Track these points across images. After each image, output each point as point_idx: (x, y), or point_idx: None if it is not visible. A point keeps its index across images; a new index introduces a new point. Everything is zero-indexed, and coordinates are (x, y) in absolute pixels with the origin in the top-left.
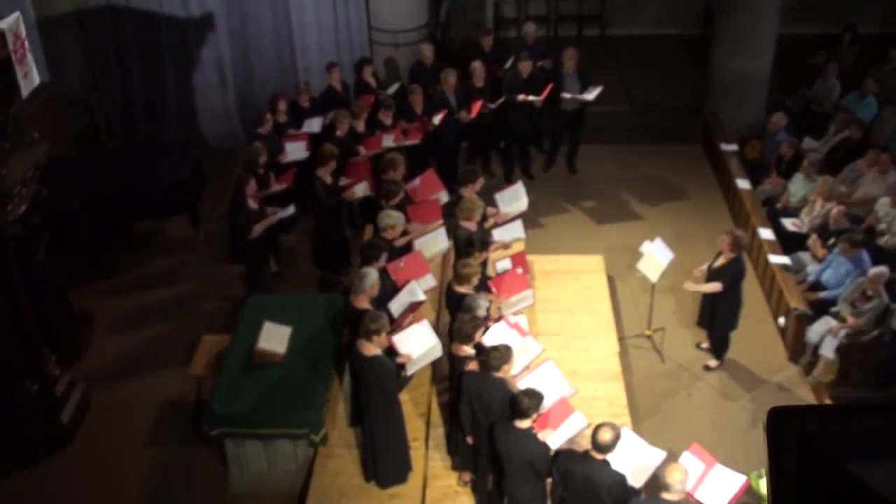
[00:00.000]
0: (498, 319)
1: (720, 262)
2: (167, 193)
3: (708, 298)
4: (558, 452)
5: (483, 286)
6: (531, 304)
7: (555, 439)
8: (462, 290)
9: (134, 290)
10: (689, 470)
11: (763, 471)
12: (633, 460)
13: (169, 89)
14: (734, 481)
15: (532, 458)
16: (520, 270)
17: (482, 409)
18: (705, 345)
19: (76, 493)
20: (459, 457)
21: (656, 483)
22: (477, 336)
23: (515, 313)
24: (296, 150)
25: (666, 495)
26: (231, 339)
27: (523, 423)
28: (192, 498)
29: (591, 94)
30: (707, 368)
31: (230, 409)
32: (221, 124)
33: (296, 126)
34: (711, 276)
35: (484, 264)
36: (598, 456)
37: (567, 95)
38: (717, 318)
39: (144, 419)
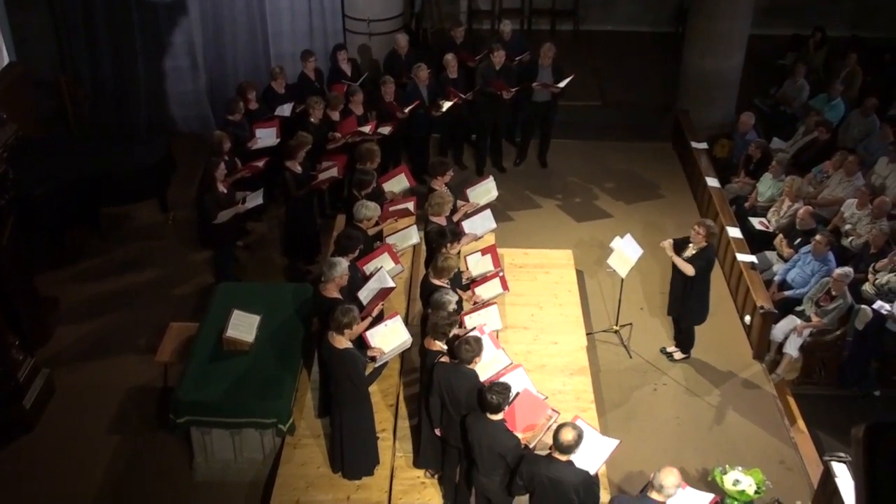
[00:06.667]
0: (473, 329)
1: (690, 252)
2: (136, 178)
3: (679, 287)
4: (522, 456)
5: (457, 279)
6: (502, 293)
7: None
8: (438, 282)
9: (101, 275)
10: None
11: (727, 466)
12: (586, 449)
13: (139, 72)
14: (702, 499)
15: (503, 449)
16: (500, 272)
17: (452, 400)
18: (671, 349)
19: (38, 479)
20: (422, 453)
21: (629, 479)
22: (451, 333)
23: (487, 303)
24: (266, 137)
25: (654, 495)
26: (199, 326)
27: (495, 416)
28: (157, 485)
29: (562, 83)
30: (671, 358)
31: (197, 397)
32: (192, 109)
33: (268, 113)
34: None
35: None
36: (562, 457)
37: (537, 85)
38: (689, 306)
39: (109, 405)
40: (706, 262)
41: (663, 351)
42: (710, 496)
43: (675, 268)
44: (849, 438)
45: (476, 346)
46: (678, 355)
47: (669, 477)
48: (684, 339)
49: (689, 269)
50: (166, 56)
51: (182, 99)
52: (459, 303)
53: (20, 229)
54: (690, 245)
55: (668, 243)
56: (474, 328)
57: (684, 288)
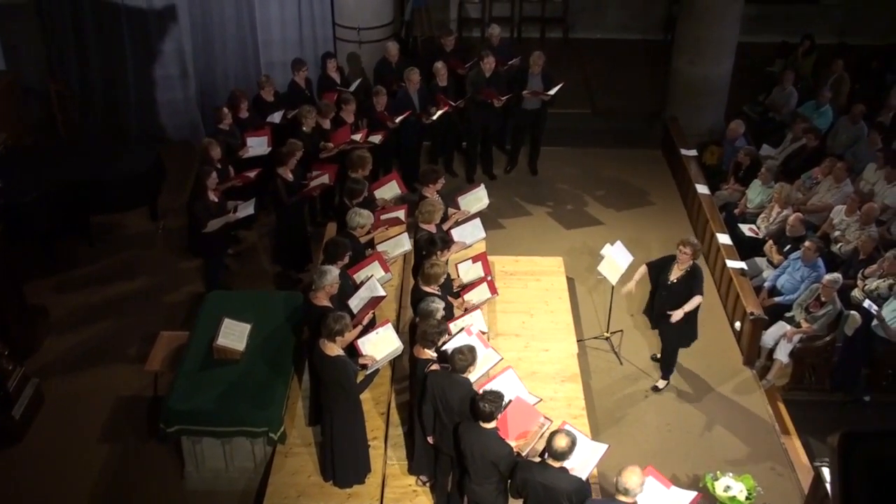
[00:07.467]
0: (460, 330)
1: (679, 273)
2: (126, 186)
3: (672, 308)
4: (515, 462)
5: (447, 286)
6: (491, 297)
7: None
8: (428, 289)
9: (91, 284)
10: (646, 490)
11: (718, 473)
12: (576, 454)
13: (129, 80)
14: (685, 498)
15: (495, 458)
16: (488, 277)
17: (446, 408)
18: (660, 355)
19: (28, 490)
20: (416, 460)
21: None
22: (440, 341)
23: (472, 308)
24: (257, 146)
25: (622, 498)
26: (189, 335)
27: (488, 424)
28: (148, 495)
29: (552, 90)
30: (655, 390)
31: (188, 406)
32: (182, 117)
33: (258, 122)
34: (677, 288)
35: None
36: (555, 463)
37: (527, 93)
38: (682, 329)
39: (100, 415)
40: (701, 281)
41: (654, 358)
42: (693, 494)
43: (662, 292)
44: None
45: (470, 355)
46: (661, 383)
47: (632, 478)
48: (668, 363)
49: (697, 301)
50: (156, 64)
51: (172, 107)
52: (449, 310)
53: (9, 238)
54: (676, 265)
55: (639, 277)
56: (462, 329)
57: (690, 313)
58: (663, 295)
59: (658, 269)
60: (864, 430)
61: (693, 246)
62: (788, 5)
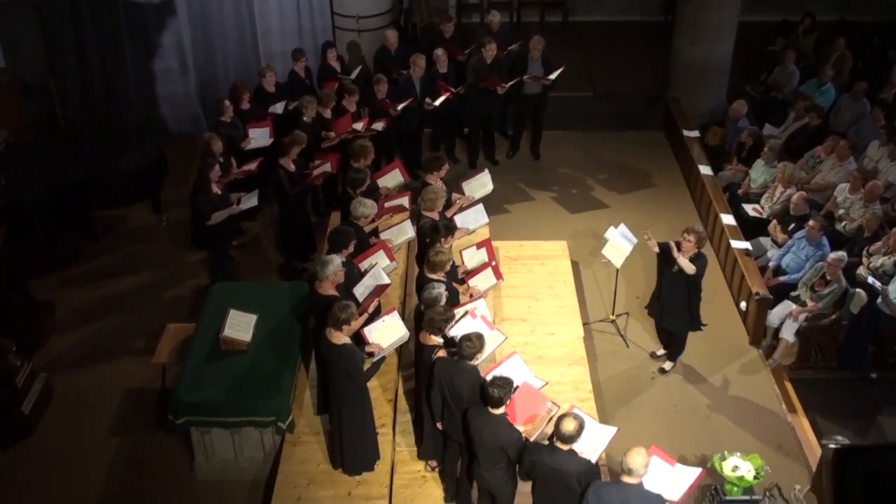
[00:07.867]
0: (465, 314)
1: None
2: (128, 181)
3: (678, 298)
4: (524, 447)
5: (452, 272)
6: (496, 283)
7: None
8: (434, 276)
9: (96, 278)
10: (651, 469)
11: (726, 452)
12: (585, 438)
13: (128, 74)
14: (689, 475)
15: (504, 443)
16: (493, 263)
17: (454, 396)
18: (661, 352)
19: (38, 484)
20: (424, 445)
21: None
22: (447, 328)
23: (485, 293)
24: (259, 137)
25: (627, 479)
26: (196, 327)
27: (497, 410)
28: (158, 487)
29: (552, 74)
30: (662, 372)
31: (196, 397)
32: (182, 110)
33: (260, 112)
34: (680, 276)
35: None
36: (564, 446)
37: (528, 78)
38: (686, 315)
39: (108, 408)
40: (703, 265)
41: (654, 355)
42: (698, 470)
43: (666, 279)
44: (846, 421)
45: (477, 342)
46: (668, 365)
47: (637, 458)
48: (677, 347)
49: (690, 268)
50: (155, 58)
51: (172, 100)
52: (454, 296)
53: (13, 235)
54: (681, 253)
55: (652, 242)
56: (466, 312)
57: (688, 297)
58: (667, 284)
59: (663, 254)
60: (858, 445)
61: (698, 234)
62: None
